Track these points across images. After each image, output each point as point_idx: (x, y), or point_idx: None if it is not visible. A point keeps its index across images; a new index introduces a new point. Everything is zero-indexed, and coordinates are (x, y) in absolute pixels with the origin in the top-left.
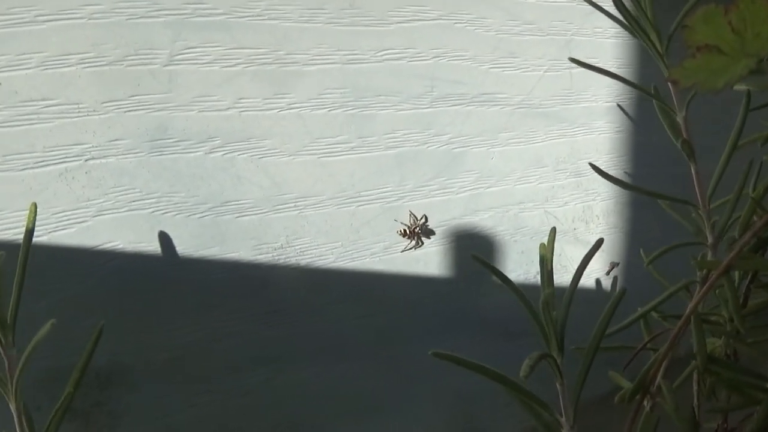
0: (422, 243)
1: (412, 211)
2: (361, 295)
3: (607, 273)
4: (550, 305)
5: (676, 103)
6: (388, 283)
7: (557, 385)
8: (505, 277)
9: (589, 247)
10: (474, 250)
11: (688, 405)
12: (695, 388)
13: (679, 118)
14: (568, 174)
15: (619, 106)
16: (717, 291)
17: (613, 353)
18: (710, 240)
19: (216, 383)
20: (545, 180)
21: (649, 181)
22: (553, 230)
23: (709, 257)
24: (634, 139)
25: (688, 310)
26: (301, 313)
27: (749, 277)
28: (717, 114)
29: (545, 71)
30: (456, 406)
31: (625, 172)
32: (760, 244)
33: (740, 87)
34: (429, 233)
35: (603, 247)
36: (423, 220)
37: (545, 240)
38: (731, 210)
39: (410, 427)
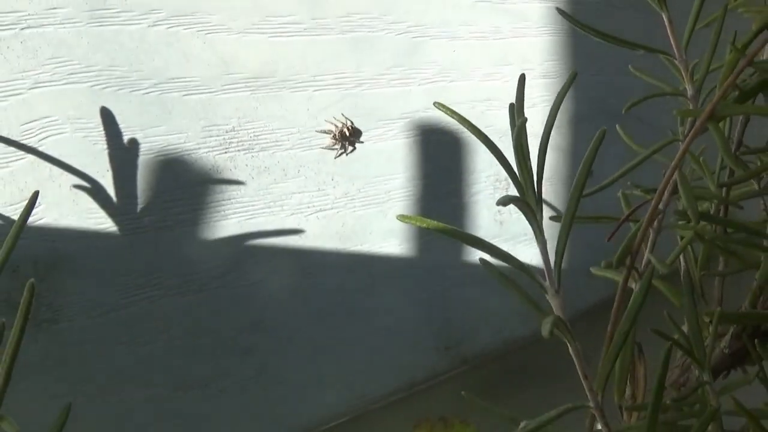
0: (353, 148)
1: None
2: (322, 186)
3: None
4: (522, 138)
5: None
6: (351, 173)
7: (538, 246)
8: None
9: (561, 151)
10: (440, 146)
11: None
12: (683, 263)
13: None
14: (535, 75)
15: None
16: (701, 158)
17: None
18: (690, 91)
19: (160, 279)
20: (512, 79)
21: (620, 87)
22: (522, 76)
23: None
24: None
25: (672, 165)
26: (257, 204)
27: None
28: None
29: None
30: (427, 313)
31: (591, 75)
32: (745, 96)
33: None
34: (357, 134)
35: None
36: (350, 123)
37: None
38: (711, 55)
39: (377, 330)
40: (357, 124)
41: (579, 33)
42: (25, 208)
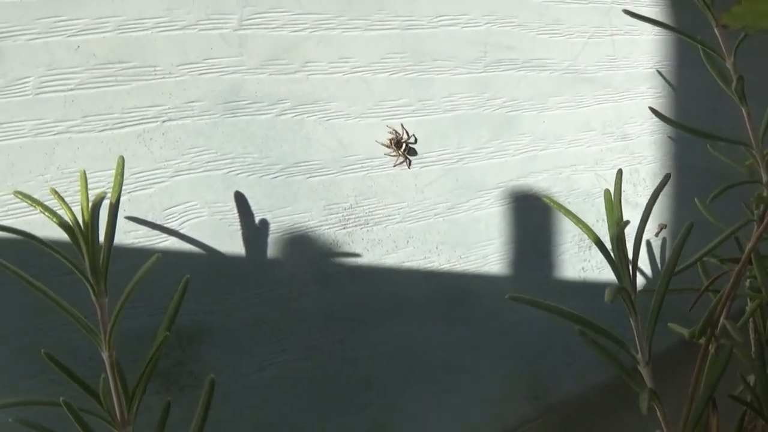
0: (409, 161)
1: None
2: (428, 255)
3: (656, 234)
4: (620, 237)
5: (724, 50)
6: (453, 241)
7: (631, 322)
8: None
9: (638, 209)
10: (530, 210)
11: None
12: (752, 328)
13: (729, 64)
14: (615, 137)
15: (658, 72)
16: None
17: (677, 311)
18: (765, 178)
19: (286, 346)
20: (594, 143)
21: (691, 144)
22: (620, 171)
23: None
24: (675, 105)
25: (749, 246)
26: (371, 274)
27: None
28: (761, 65)
29: (589, 38)
30: (519, 366)
31: (669, 137)
32: None
33: None
34: (413, 152)
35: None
36: (412, 137)
37: (597, 201)
38: None
39: (475, 383)
40: (457, 195)
41: (655, 96)
42: (178, 293)
